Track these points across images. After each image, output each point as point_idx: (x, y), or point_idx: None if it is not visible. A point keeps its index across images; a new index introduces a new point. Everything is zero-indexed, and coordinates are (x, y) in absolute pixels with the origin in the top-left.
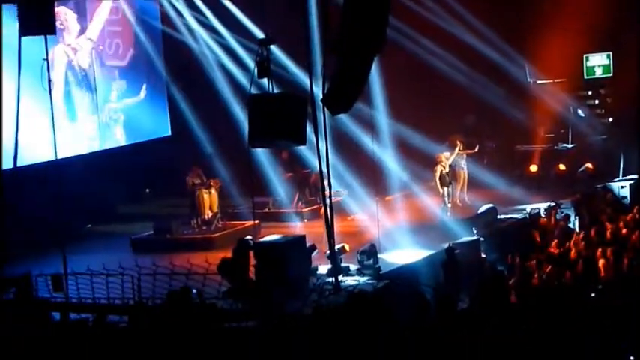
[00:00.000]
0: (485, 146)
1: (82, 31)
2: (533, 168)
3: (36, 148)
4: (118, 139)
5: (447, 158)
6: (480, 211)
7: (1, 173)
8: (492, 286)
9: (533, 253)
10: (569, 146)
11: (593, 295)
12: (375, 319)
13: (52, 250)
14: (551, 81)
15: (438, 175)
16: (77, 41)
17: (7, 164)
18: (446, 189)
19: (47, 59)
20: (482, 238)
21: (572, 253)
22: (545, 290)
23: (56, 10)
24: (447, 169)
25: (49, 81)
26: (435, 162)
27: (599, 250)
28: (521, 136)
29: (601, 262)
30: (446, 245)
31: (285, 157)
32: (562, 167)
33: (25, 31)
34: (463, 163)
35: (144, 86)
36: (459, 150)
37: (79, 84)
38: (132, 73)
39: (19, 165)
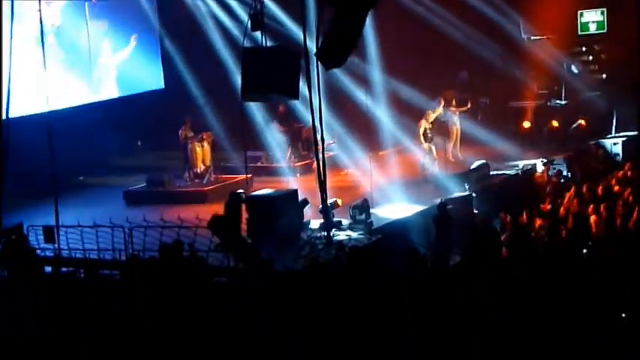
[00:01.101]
0: (479, 102)
1: None
2: (527, 124)
3: (28, 100)
4: (111, 91)
5: (434, 112)
6: (473, 166)
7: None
8: (484, 242)
9: (526, 208)
10: (563, 102)
11: (584, 250)
12: (371, 273)
13: (44, 201)
14: (545, 37)
15: (421, 130)
16: None
17: None
18: (427, 144)
19: (40, 10)
20: (474, 194)
21: (564, 209)
22: (537, 245)
23: None
24: (431, 125)
25: (42, 33)
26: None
27: (591, 206)
28: (515, 93)
29: (593, 218)
30: (438, 201)
31: (282, 110)
32: (555, 123)
33: None
34: (456, 119)
35: (134, 36)
36: (453, 106)
37: (72, 35)
38: (125, 26)
39: (10, 116)
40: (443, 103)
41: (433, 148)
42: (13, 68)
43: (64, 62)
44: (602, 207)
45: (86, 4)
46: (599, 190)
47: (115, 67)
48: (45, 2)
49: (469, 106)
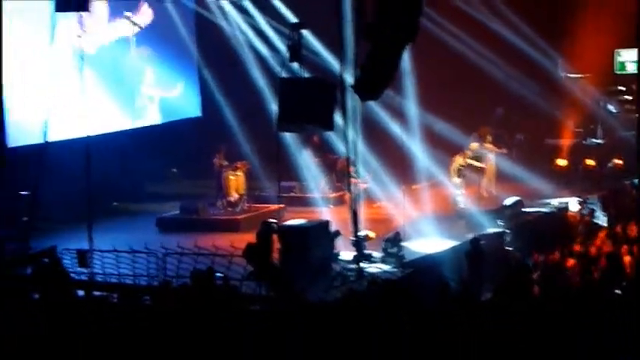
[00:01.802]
0: (514, 139)
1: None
2: (562, 162)
3: (66, 124)
4: (149, 118)
5: (472, 151)
6: (506, 203)
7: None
8: (517, 279)
9: (558, 247)
10: (599, 141)
11: (617, 292)
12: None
13: (78, 225)
14: (582, 75)
15: (455, 165)
16: (114, 21)
17: (36, 139)
18: (459, 180)
19: (81, 36)
20: (507, 231)
21: (596, 249)
22: (570, 285)
23: None
24: (466, 163)
25: (82, 58)
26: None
27: (625, 246)
28: (551, 130)
29: (627, 258)
30: (471, 236)
31: (316, 141)
32: (590, 162)
33: (59, 6)
34: (490, 155)
35: (174, 65)
36: (488, 142)
37: (113, 63)
38: (165, 54)
39: (49, 140)
40: (478, 138)
41: (463, 183)
42: (54, 92)
43: (105, 88)
44: (635, 248)
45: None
46: (634, 230)
47: (154, 94)
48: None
49: (504, 150)
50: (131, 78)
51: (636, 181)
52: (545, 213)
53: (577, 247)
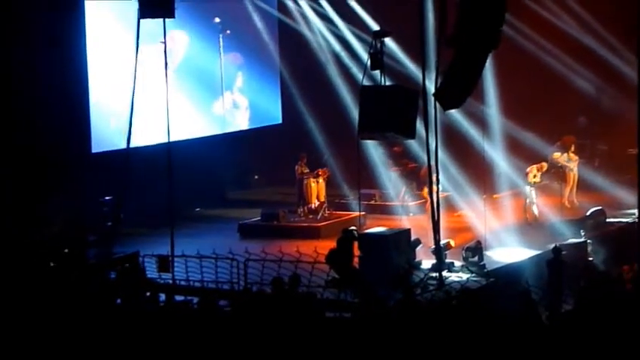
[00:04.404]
0: (597, 148)
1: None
2: None
3: (150, 130)
4: (232, 124)
5: (555, 160)
6: (589, 213)
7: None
8: (600, 290)
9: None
10: None
11: None
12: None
13: (160, 231)
14: None
15: (531, 174)
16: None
17: (121, 144)
18: (531, 188)
19: (165, 42)
20: (589, 241)
21: None
22: None
23: None
24: (540, 172)
25: (166, 64)
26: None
27: None
28: (634, 140)
29: None
30: (552, 246)
31: (397, 150)
32: None
33: (144, 13)
34: (573, 164)
35: (256, 74)
36: (572, 152)
37: (199, 68)
38: (250, 61)
39: (132, 146)
40: (562, 148)
41: (535, 192)
42: (141, 99)
43: (189, 93)
44: None
45: (220, 36)
46: None
47: (239, 100)
48: (175, 33)
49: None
50: (217, 84)
51: None
52: (628, 223)
53: None
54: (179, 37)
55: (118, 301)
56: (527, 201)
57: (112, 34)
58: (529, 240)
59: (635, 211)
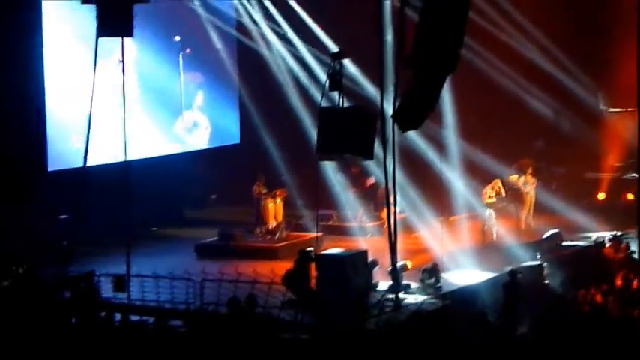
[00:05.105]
0: (554, 172)
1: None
2: (601, 196)
3: (107, 149)
4: (190, 144)
5: (511, 183)
6: (545, 236)
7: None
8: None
9: (595, 283)
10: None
11: None
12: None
13: (118, 250)
14: (623, 110)
15: (486, 196)
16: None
17: (79, 162)
18: (489, 210)
19: (123, 61)
20: (545, 264)
21: (635, 284)
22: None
23: None
24: (495, 193)
25: (124, 83)
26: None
27: None
28: (591, 164)
29: None
30: (508, 268)
31: (355, 171)
32: (630, 197)
33: (102, 32)
34: (530, 188)
35: (215, 94)
36: (529, 175)
37: (158, 88)
38: (209, 80)
39: (91, 164)
40: (518, 171)
41: (493, 214)
42: (100, 118)
43: (148, 112)
44: None
45: (180, 54)
46: None
47: (198, 119)
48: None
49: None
50: (177, 103)
51: None
52: (583, 247)
53: (617, 283)
54: (138, 55)
55: (73, 320)
56: (486, 223)
57: (71, 52)
58: (485, 262)
59: (592, 234)
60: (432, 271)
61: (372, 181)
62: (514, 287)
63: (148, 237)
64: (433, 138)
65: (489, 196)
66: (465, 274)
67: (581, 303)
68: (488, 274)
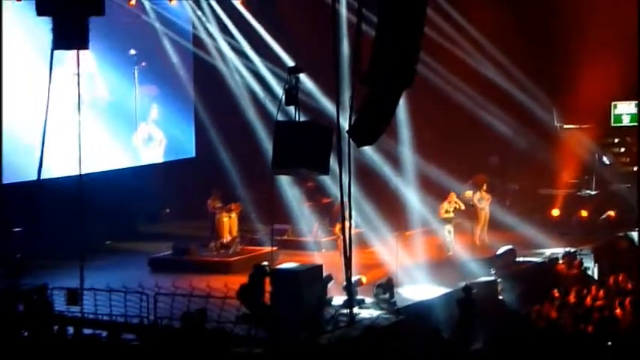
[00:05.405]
0: (509, 188)
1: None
2: (555, 212)
3: (62, 162)
4: (146, 157)
5: (466, 198)
6: (499, 252)
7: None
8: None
9: (548, 299)
10: (593, 193)
11: (610, 344)
12: (390, 354)
13: (71, 263)
14: (578, 126)
15: (442, 211)
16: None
17: (31, 176)
18: (447, 226)
19: (78, 74)
20: (499, 279)
21: (589, 300)
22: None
23: None
24: (452, 208)
25: (79, 95)
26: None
27: (618, 299)
28: (545, 180)
29: (618, 311)
30: (463, 284)
31: (310, 185)
32: (584, 213)
33: (58, 44)
34: (485, 203)
35: (170, 107)
36: (484, 191)
37: (113, 101)
38: (164, 94)
39: (45, 177)
40: (473, 187)
41: (452, 229)
42: (54, 130)
43: (102, 125)
44: (627, 300)
45: (136, 68)
46: (627, 283)
47: (153, 133)
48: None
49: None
50: (131, 116)
51: (630, 233)
52: (537, 263)
53: (571, 299)
54: (94, 68)
55: (25, 333)
56: (445, 238)
57: (26, 64)
58: (440, 278)
59: (546, 250)
60: (386, 287)
61: (329, 199)
62: (468, 303)
63: (102, 250)
64: (389, 153)
65: (446, 211)
66: (419, 289)
67: (535, 318)
68: (443, 290)
